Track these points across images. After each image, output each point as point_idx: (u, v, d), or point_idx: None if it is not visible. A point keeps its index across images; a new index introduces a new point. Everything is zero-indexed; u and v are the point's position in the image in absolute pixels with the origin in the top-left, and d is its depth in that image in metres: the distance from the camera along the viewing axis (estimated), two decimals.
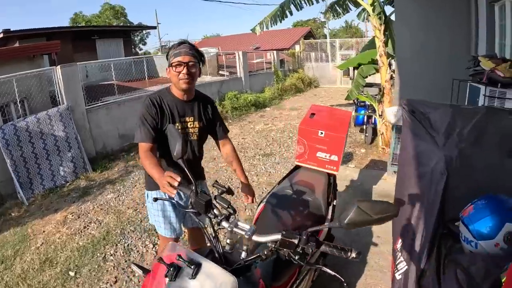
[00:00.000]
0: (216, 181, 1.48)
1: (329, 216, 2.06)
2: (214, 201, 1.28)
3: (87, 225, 3.59)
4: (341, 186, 3.86)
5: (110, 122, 6.23)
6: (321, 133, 2.26)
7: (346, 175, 4.47)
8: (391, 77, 4.98)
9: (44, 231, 3.52)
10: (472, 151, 1.99)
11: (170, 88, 1.90)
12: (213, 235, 1.20)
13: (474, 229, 1.48)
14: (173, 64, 1.74)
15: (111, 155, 6.05)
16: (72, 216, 3.83)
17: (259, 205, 2.20)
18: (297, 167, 2.54)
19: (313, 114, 2.49)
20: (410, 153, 2.27)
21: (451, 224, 1.76)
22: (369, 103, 6.26)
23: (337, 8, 6.06)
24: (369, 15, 4.75)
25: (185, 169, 1.29)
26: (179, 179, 1.27)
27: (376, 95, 6.62)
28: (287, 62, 16.92)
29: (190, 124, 1.90)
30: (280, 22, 6.12)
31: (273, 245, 1.11)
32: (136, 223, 3.54)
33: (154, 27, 22.26)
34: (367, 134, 5.99)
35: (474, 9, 3.39)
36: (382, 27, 4.65)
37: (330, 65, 17.17)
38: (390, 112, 3.91)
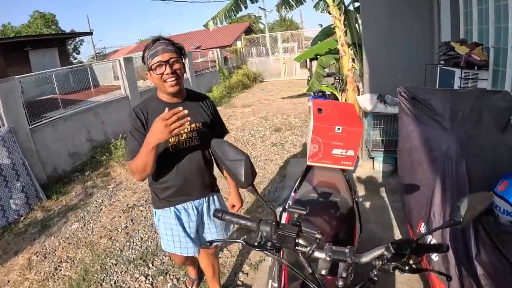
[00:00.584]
0: (289, 203, 1.30)
1: (357, 213, 2.00)
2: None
3: (58, 266, 3.07)
4: None
5: (58, 141, 5.54)
6: (338, 129, 2.16)
7: None
8: (352, 66, 5.13)
9: (9, 281, 2.95)
10: (476, 132, 2.11)
11: (156, 94, 1.69)
12: (309, 271, 1.02)
13: None
14: (152, 67, 1.53)
15: (64, 177, 5.38)
16: (37, 257, 3.26)
17: (281, 214, 2.06)
18: (308, 168, 2.43)
19: (320, 109, 2.40)
20: (417, 140, 2.30)
21: None
22: (328, 93, 6.40)
23: (290, 0, 6.05)
24: (328, 6, 4.81)
25: (258, 196, 1.04)
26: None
27: (333, 83, 6.84)
28: (231, 59, 16.81)
29: (186, 129, 1.67)
30: (235, 16, 5.95)
31: (380, 262, 0.98)
32: (116, 254, 3.09)
33: (90, 33, 20.50)
34: None
35: None
36: (342, 17, 4.74)
37: (271, 58, 17.46)
38: (364, 100, 3.98)
